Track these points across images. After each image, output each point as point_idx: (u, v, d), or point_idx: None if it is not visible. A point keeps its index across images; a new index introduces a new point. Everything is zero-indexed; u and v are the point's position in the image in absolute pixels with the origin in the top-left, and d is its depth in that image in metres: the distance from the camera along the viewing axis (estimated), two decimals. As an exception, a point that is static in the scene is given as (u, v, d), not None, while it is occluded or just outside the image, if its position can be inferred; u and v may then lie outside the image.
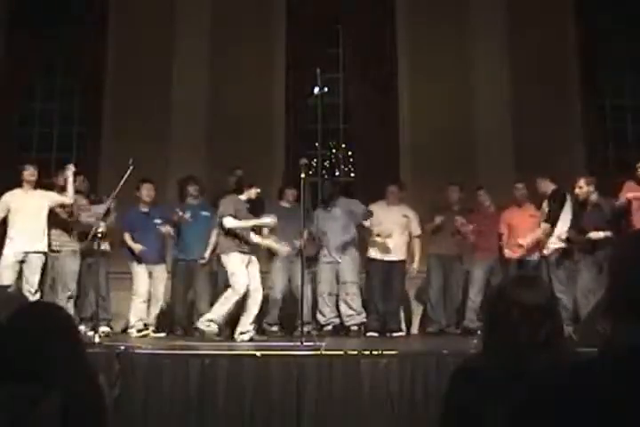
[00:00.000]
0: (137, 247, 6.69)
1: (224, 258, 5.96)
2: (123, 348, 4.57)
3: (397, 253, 7.08)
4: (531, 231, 6.65)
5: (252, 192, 6.12)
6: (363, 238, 7.17)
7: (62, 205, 6.37)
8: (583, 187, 6.19)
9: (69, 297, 6.36)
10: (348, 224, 6.94)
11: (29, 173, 6.25)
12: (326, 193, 7.09)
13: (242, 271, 5.86)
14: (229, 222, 5.89)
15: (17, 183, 6.32)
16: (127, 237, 6.77)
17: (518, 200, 6.96)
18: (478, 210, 7.16)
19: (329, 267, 6.86)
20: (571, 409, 1.11)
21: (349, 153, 9.13)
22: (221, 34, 8.70)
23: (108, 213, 6.65)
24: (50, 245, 6.33)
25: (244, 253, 5.94)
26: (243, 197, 6.08)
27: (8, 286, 5.82)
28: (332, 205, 7.01)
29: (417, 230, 7.18)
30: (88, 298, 6.67)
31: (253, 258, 6.07)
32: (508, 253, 6.80)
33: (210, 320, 5.90)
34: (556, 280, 6.26)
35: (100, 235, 5.79)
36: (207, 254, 6.80)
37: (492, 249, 6.96)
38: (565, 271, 6.34)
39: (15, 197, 6.24)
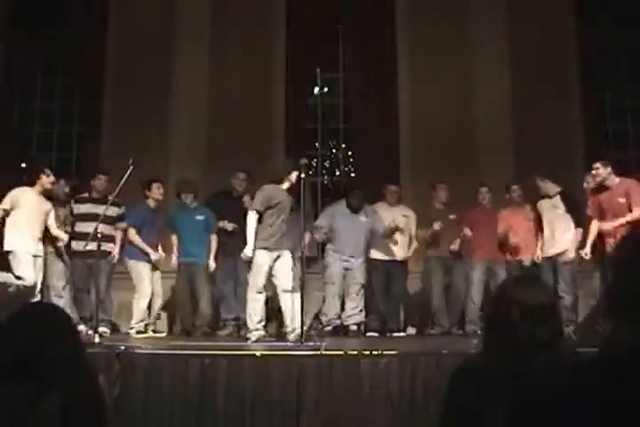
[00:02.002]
0: (154, 255, 6.67)
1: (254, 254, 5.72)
2: (123, 348, 4.56)
3: (399, 254, 7.09)
4: (525, 233, 6.68)
5: (293, 177, 5.75)
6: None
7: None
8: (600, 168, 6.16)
9: (58, 296, 6.38)
10: (367, 234, 6.93)
11: (50, 180, 6.22)
12: (356, 200, 6.99)
13: (260, 270, 5.61)
14: (250, 218, 5.72)
15: (17, 181, 6.27)
16: (133, 233, 6.71)
17: (514, 202, 6.95)
18: (476, 208, 7.13)
19: (339, 268, 6.87)
20: (571, 409, 1.11)
21: (349, 153, 9.13)
22: (221, 34, 8.70)
23: (120, 216, 6.67)
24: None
25: (268, 249, 5.64)
26: (285, 185, 5.82)
27: (8, 286, 5.82)
28: (361, 212, 6.93)
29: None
30: (88, 298, 6.66)
31: (285, 253, 5.71)
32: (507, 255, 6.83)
33: (251, 330, 5.68)
34: (561, 280, 6.23)
35: (99, 235, 5.77)
36: (211, 262, 6.84)
37: (490, 249, 6.91)
38: (571, 272, 6.29)
39: (25, 196, 6.15)
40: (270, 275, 5.69)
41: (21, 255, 6.00)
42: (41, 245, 6.21)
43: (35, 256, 6.10)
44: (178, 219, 6.94)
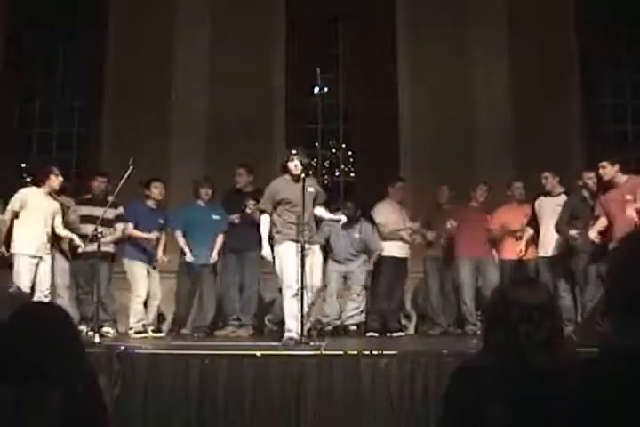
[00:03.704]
0: (148, 235, 6.58)
1: (275, 250, 5.36)
2: (123, 348, 4.57)
3: (402, 250, 7.08)
4: (522, 231, 6.68)
5: (291, 167, 5.38)
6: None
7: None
8: (593, 178, 6.16)
9: (59, 296, 6.37)
10: (361, 247, 6.93)
11: (59, 182, 6.19)
12: (349, 214, 6.82)
13: (289, 263, 5.15)
14: (261, 221, 5.48)
15: (17, 181, 6.26)
16: (131, 226, 6.66)
17: (516, 199, 6.93)
18: (467, 205, 7.07)
19: (338, 269, 6.88)
20: (571, 409, 1.11)
21: (349, 153, 9.14)
22: (221, 34, 8.70)
23: (119, 216, 6.67)
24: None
25: (295, 241, 5.18)
26: (288, 177, 5.45)
27: (9, 286, 5.82)
28: (356, 226, 6.89)
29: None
30: (90, 298, 6.66)
31: (314, 247, 5.33)
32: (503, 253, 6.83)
33: (289, 330, 5.20)
34: (560, 279, 6.23)
35: (100, 235, 5.78)
36: (214, 255, 6.75)
37: (476, 246, 6.85)
38: (568, 271, 6.29)
39: (32, 197, 6.13)
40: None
41: (22, 261, 5.98)
42: (48, 246, 6.18)
43: (40, 257, 6.06)
44: (191, 218, 6.80)
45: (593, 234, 5.79)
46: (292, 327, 5.12)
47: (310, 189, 5.38)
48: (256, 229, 6.42)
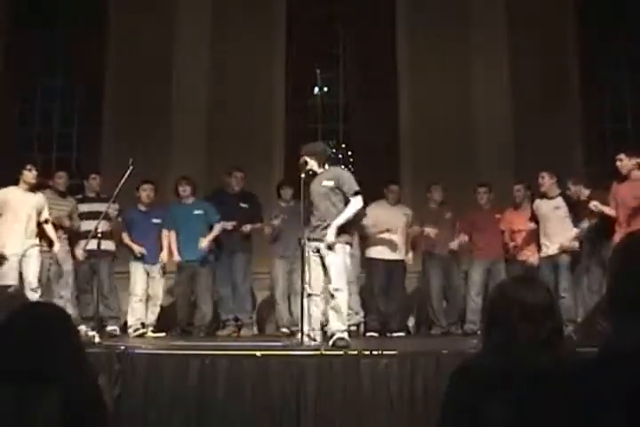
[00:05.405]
0: (136, 249, 6.71)
1: None
2: (123, 348, 4.56)
3: (398, 252, 7.07)
4: (528, 234, 6.66)
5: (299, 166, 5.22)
6: (362, 237, 7.14)
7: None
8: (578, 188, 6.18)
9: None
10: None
11: (33, 175, 6.14)
12: None
13: (306, 264, 4.98)
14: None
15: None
16: (125, 236, 6.81)
17: (517, 202, 6.93)
18: (474, 209, 7.08)
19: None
20: (571, 408, 1.11)
21: (349, 153, 9.14)
22: (221, 34, 8.71)
23: (118, 213, 6.68)
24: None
25: (309, 239, 5.00)
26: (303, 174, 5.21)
27: (8, 286, 5.81)
28: None
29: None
30: (91, 298, 6.67)
31: (320, 246, 4.97)
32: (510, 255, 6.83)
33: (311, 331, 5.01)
34: (563, 279, 6.21)
35: (100, 235, 5.78)
36: (206, 244, 6.74)
37: (490, 249, 6.89)
38: (570, 271, 6.28)
39: (11, 195, 6.12)
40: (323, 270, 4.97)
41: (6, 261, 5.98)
42: (32, 241, 6.12)
43: (22, 255, 6.03)
44: (176, 216, 6.87)
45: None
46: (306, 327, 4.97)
47: (326, 183, 5.17)
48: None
